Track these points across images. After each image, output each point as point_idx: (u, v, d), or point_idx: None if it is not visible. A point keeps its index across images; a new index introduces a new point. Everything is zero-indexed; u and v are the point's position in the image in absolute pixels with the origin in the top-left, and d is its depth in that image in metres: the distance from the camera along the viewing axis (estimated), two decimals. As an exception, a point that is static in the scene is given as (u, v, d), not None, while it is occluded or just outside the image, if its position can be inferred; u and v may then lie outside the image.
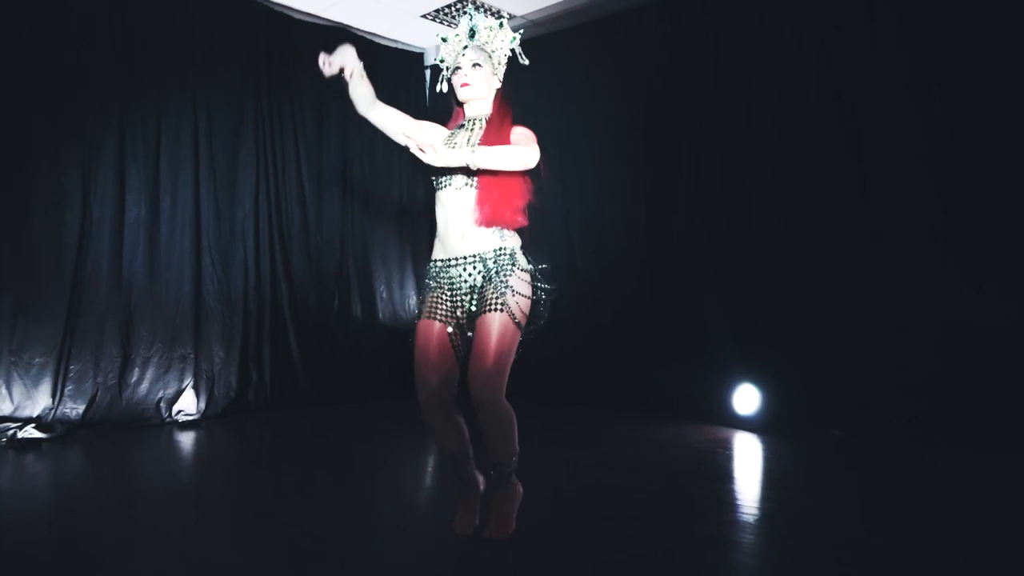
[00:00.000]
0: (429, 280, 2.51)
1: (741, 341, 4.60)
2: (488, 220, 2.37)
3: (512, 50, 2.52)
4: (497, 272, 2.37)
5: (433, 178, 2.45)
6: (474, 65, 2.44)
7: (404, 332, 6.16)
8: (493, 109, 2.48)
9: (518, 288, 2.37)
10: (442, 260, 2.47)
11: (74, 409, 4.42)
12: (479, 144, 2.34)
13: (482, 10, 5.77)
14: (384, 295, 6.20)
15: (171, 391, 4.84)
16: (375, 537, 2.71)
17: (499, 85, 2.50)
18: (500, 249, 2.39)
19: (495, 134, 2.38)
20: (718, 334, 4.71)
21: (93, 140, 4.57)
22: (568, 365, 5.47)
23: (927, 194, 3.96)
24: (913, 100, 4.00)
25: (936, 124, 3.93)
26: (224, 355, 5.10)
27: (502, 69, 2.50)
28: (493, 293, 2.35)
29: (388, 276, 6.24)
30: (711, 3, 4.87)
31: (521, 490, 2.56)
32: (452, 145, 2.42)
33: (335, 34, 5.95)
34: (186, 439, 4.58)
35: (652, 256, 5.13)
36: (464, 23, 2.55)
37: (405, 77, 6.51)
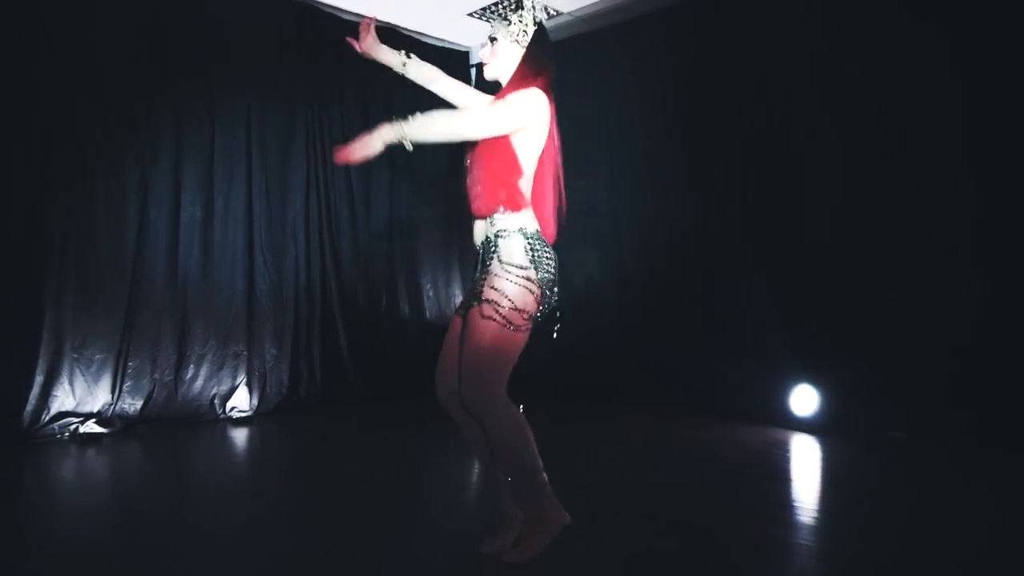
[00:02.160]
0: None
1: (795, 340, 4.48)
2: (479, 207, 2.22)
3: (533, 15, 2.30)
4: (485, 265, 2.20)
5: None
6: (491, 39, 2.30)
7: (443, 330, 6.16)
8: (512, 77, 2.27)
9: (498, 285, 2.12)
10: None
11: (132, 405, 4.52)
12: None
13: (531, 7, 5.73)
14: (431, 294, 6.21)
15: (224, 388, 4.92)
16: (422, 535, 2.70)
17: (521, 51, 2.27)
18: (488, 240, 2.21)
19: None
20: (771, 333, 4.61)
21: (152, 140, 4.67)
22: (615, 363, 5.40)
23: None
24: (959, 99, 3.86)
25: (982, 121, 3.78)
26: (276, 352, 5.17)
27: (525, 37, 2.26)
28: (475, 289, 2.20)
29: (435, 275, 6.25)
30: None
31: (559, 517, 2.22)
32: None
33: (382, 33, 5.94)
34: (239, 435, 4.65)
35: (702, 254, 5.03)
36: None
37: (451, 73, 6.46)
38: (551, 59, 2.26)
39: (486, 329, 2.10)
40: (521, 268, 2.14)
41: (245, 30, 5.12)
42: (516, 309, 2.11)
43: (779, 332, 4.53)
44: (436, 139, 2.16)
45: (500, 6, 5.75)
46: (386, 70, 2.55)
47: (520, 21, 2.26)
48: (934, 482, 3.33)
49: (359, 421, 5.06)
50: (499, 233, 2.18)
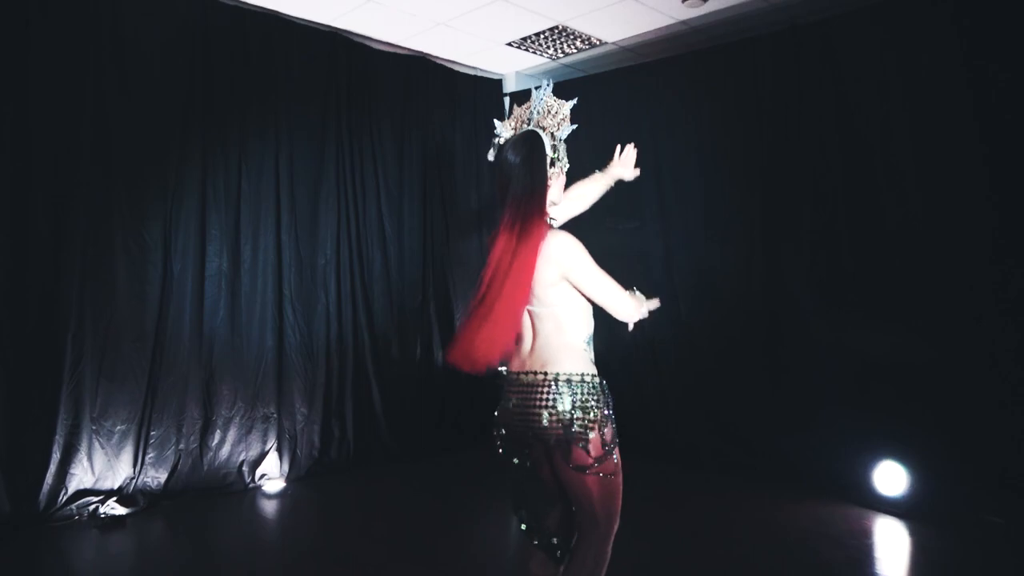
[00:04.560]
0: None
1: (873, 406, 4.13)
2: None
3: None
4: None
5: None
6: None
7: (485, 382, 5.81)
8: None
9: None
10: None
11: (155, 478, 4.16)
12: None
13: (573, 37, 5.39)
14: (465, 339, 5.85)
15: (254, 453, 4.56)
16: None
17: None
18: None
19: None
20: (845, 396, 4.25)
21: (175, 188, 4.31)
22: (669, 421, 5.06)
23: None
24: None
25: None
26: (307, 412, 4.81)
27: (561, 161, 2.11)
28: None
29: (469, 319, 5.89)
30: (830, 30, 4.38)
31: None
32: None
33: (415, 63, 5.64)
34: (270, 507, 4.32)
35: (767, 306, 4.67)
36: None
37: (483, 103, 6.17)
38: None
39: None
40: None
41: (269, 65, 4.76)
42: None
43: (853, 394, 4.18)
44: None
45: (540, 36, 5.40)
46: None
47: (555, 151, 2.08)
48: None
49: (393, 485, 4.75)
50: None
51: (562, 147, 2.11)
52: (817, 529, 3.70)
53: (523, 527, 2.12)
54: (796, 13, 4.57)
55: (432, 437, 5.36)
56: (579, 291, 2.02)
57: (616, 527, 2.03)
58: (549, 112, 2.10)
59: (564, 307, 2.01)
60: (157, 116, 4.25)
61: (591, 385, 1.98)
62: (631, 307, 2.05)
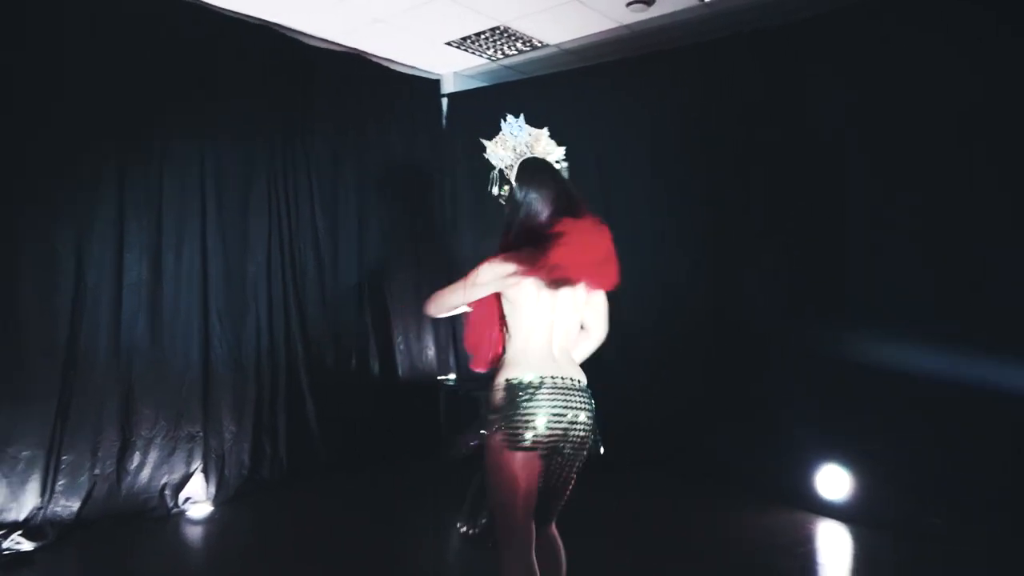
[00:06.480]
0: None
1: (817, 409, 4.16)
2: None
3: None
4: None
5: None
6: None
7: (424, 389, 5.65)
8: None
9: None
10: None
11: (67, 507, 3.81)
12: None
13: (514, 38, 5.26)
14: (402, 347, 5.65)
15: (177, 476, 4.24)
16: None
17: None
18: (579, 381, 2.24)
19: None
20: (789, 399, 4.27)
21: (89, 192, 3.95)
22: (614, 427, 4.99)
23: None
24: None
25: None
26: (235, 429, 4.51)
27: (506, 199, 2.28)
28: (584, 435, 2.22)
29: (406, 328, 5.69)
30: (775, 37, 4.39)
31: None
32: None
33: (351, 61, 5.41)
34: (195, 533, 4.03)
35: (714, 312, 4.66)
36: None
37: (420, 104, 5.98)
38: (523, 212, 2.21)
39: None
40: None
41: (195, 59, 4.44)
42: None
43: (801, 400, 4.19)
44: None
45: (480, 37, 5.25)
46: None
47: (501, 189, 2.27)
48: None
49: (330, 499, 4.56)
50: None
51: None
52: (764, 539, 3.69)
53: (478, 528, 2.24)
54: (742, 20, 4.58)
55: (370, 447, 5.15)
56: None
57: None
58: (538, 141, 2.27)
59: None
60: (67, 112, 3.88)
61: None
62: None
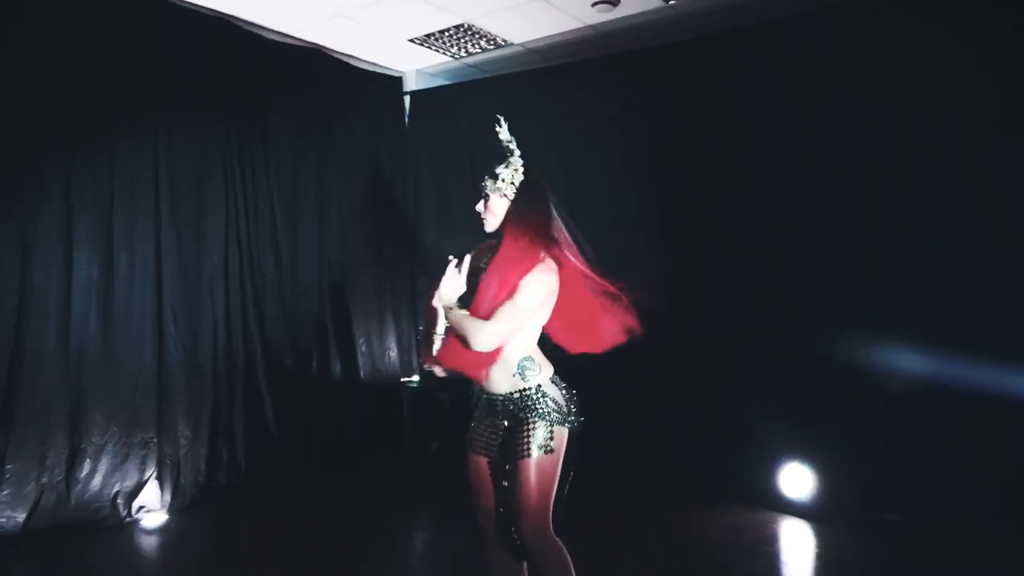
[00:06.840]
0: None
1: (780, 409, 4.20)
2: (447, 364, 2.34)
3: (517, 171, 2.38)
4: (521, 417, 2.29)
5: None
6: (484, 196, 2.40)
7: (386, 391, 5.57)
8: (506, 229, 2.34)
9: (539, 435, 2.26)
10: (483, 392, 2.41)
11: (12, 518, 3.63)
12: (487, 268, 2.29)
13: (478, 36, 5.21)
14: (364, 349, 5.56)
15: (130, 483, 4.09)
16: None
17: (509, 201, 2.37)
18: (524, 391, 2.29)
19: (504, 264, 2.25)
20: (753, 399, 4.31)
21: (33, 190, 3.78)
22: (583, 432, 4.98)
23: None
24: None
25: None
26: (191, 434, 4.37)
27: (512, 188, 2.36)
28: (520, 439, 2.27)
29: (367, 328, 5.60)
30: (741, 39, 4.44)
31: None
32: (481, 264, 2.35)
33: (311, 56, 5.29)
34: (149, 542, 3.90)
35: (679, 312, 4.67)
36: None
37: (382, 101, 5.89)
38: (542, 208, 2.32)
39: (541, 469, 2.24)
40: (559, 410, 2.30)
41: (147, 50, 4.28)
42: (553, 448, 2.27)
43: (767, 403, 4.23)
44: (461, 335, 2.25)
45: (444, 34, 5.19)
46: None
47: (506, 176, 2.34)
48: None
49: (290, 503, 4.47)
50: (527, 389, 2.28)
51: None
52: (728, 538, 3.71)
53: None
54: (707, 22, 4.61)
55: (331, 449, 5.05)
56: None
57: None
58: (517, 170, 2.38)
59: None
60: (7, 107, 3.70)
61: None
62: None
